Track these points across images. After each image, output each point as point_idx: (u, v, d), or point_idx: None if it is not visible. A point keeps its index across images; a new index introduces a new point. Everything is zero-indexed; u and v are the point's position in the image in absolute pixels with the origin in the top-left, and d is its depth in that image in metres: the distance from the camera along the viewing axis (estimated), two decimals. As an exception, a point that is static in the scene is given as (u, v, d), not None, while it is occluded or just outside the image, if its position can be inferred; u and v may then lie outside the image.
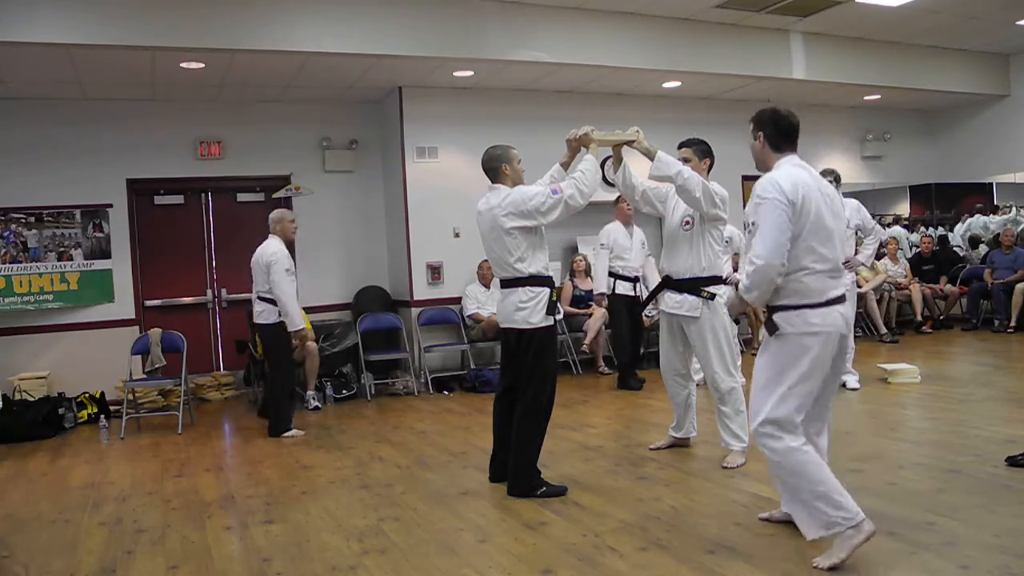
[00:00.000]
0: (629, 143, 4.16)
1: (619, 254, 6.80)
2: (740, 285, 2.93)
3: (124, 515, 3.93)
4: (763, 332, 3.04)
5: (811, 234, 2.81)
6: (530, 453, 3.90)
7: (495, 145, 4.07)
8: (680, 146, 4.38)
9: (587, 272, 7.80)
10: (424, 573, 2.97)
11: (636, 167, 4.42)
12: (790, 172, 2.87)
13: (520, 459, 3.89)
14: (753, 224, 2.85)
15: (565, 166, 4.14)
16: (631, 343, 6.96)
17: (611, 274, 6.80)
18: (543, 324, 3.88)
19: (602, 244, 6.86)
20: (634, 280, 6.85)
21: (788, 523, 3.07)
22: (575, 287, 7.89)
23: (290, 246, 5.89)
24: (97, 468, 5.04)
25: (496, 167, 3.99)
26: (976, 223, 10.63)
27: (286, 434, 5.64)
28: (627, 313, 6.84)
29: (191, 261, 7.70)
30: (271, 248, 5.72)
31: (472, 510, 3.71)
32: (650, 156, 4.06)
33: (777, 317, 2.87)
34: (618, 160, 4.27)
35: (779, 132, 2.98)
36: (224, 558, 3.26)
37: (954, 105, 10.17)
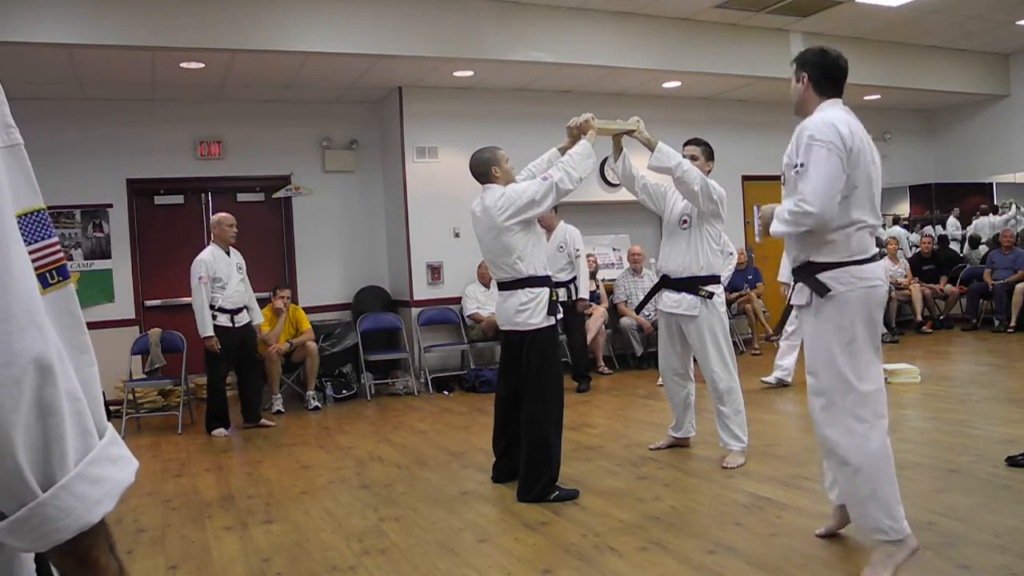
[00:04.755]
0: (629, 132, 4.16)
1: None
2: (779, 212, 2.63)
3: (124, 515, 3.92)
4: (795, 313, 2.80)
5: (865, 186, 2.58)
6: (547, 461, 3.78)
7: (480, 149, 4.02)
8: (687, 143, 4.36)
9: (593, 275, 7.78)
10: (424, 573, 2.97)
11: (636, 160, 4.41)
12: (843, 116, 2.62)
13: (536, 467, 3.76)
14: (801, 166, 2.56)
15: (563, 151, 4.11)
16: None
17: None
18: (545, 324, 3.85)
19: None
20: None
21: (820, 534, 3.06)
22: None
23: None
24: (97, 468, 5.03)
25: (486, 171, 3.95)
26: (981, 224, 10.61)
27: (213, 432, 5.85)
28: None
29: (191, 261, 7.64)
30: (198, 256, 5.86)
31: (472, 510, 3.71)
32: (650, 147, 4.06)
33: (825, 277, 2.60)
34: (618, 150, 4.26)
35: (825, 74, 2.72)
36: (224, 558, 3.26)
37: (954, 105, 10.17)
